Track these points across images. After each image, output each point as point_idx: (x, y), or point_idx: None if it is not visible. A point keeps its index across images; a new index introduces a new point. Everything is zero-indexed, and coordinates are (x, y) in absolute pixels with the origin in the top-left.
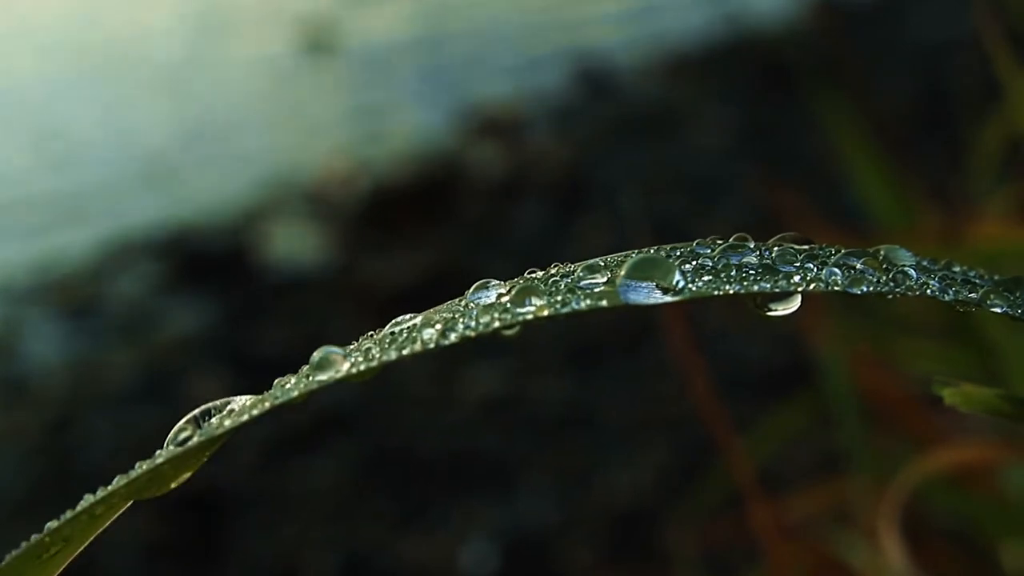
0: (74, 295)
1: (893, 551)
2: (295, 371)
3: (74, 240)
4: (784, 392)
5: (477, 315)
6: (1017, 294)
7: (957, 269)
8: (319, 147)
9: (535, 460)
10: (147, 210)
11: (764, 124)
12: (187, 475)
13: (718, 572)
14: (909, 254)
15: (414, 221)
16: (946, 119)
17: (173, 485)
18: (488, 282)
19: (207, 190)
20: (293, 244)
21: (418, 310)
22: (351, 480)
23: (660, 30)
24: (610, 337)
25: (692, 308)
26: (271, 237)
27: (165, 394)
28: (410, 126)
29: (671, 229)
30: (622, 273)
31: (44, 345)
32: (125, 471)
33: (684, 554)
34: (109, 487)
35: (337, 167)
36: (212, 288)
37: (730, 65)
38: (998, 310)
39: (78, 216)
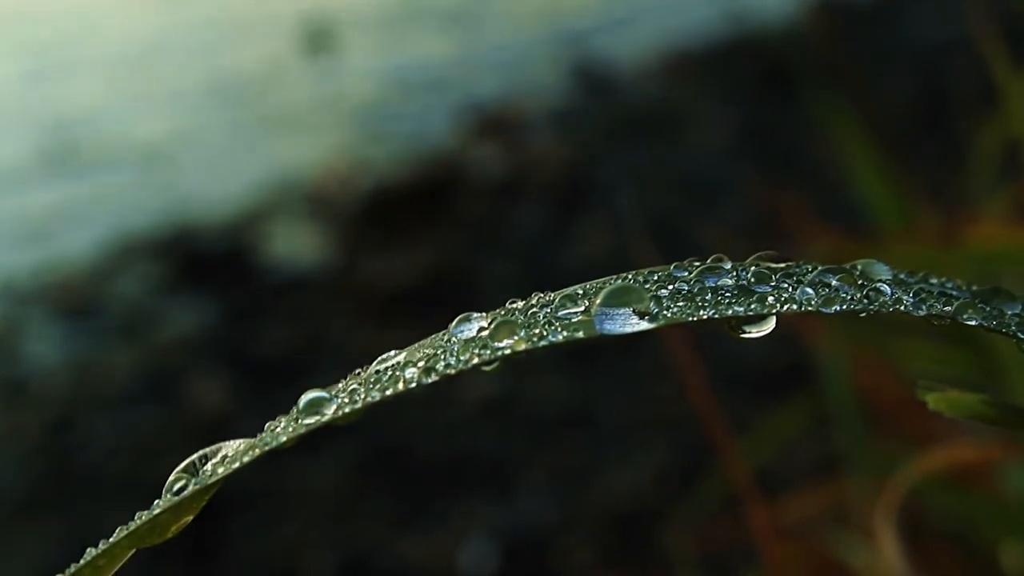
0: (74, 295)
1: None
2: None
3: (74, 240)
4: (784, 392)
5: (458, 351)
6: (993, 305)
7: (935, 281)
8: (319, 147)
9: (534, 460)
10: (147, 210)
11: (764, 124)
12: (188, 519)
13: (717, 572)
14: (886, 268)
15: (414, 221)
16: (945, 119)
17: (173, 530)
18: (470, 315)
19: (207, 190)
20: (293, 244)
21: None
22: (351, 480)
23: (660, 30)
24: (608, 336)
25: None
26: (271, 237)
27: (165, 394)
28: (410, 126)
29: (671, 229)
30: (597, 302)
31: (44, 345)
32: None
33: (683, 554)
34: (111, 539)
35: (337, 167)
36: (212, 288)
37: (730, 65)
38: (972, 323)
39: (78, 215)
